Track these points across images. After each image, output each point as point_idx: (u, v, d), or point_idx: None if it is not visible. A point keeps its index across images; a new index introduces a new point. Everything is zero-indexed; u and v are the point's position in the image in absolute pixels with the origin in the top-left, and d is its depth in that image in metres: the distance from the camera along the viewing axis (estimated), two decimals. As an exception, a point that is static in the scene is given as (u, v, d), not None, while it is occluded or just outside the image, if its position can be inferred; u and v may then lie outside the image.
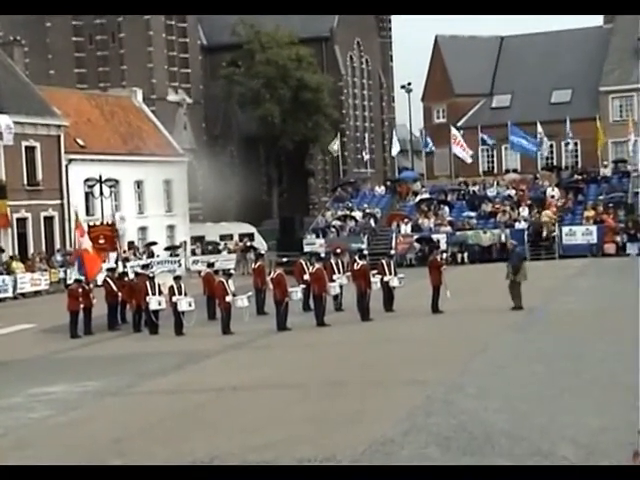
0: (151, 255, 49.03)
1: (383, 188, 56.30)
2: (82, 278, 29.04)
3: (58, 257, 46.27)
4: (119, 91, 61.20)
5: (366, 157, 66.13)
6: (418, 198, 51.99)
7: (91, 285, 28.90)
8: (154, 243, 51.51)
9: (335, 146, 60.32)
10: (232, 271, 30.13)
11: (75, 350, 24.77)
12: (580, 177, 51.65)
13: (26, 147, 47.44)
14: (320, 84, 68.24)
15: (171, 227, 57.29)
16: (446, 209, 50.04)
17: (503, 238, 45.81)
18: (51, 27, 66.45)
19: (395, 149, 61.39)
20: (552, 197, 49.31)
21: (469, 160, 55.83)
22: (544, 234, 45.36)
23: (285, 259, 32.99)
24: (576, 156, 62.67)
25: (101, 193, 46.78)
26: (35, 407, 16.55)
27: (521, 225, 46.22)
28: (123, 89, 61.90)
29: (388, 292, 27.45)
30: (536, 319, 23.91)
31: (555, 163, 60.38)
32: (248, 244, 52.19)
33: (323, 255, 33.84)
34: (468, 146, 55.94)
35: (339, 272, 28.53)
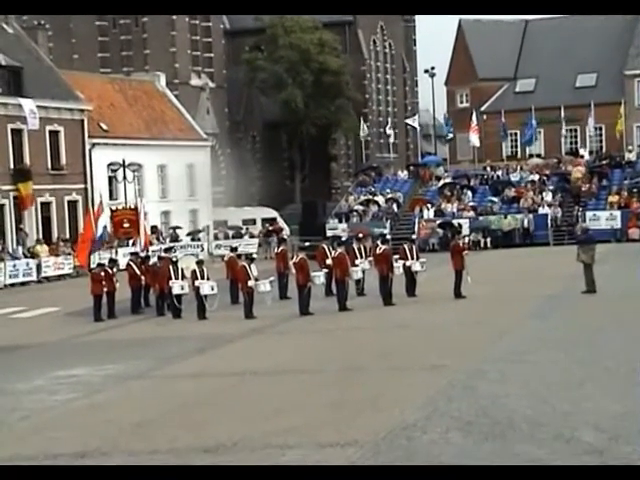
0: (175, 239, 49.16)
1: (406, 173, 56.23)
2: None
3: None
4: (142, 75, 61.26)
5: (390, 139, 65.86)
6: (441, 183, 51.92)
7: (114, 269, 29.04)
8: (178, 227, 51.62)
9: (363, 132, 60.41)
10: (255, 255, 30.22)
11: (98, 334, 24.93)
12: (604, 162, 51.43)
13: (50, 131, 47.65)
14: (341, 67, 68.06)
15: (194, 211, 57.39)
16: (469, 194, 49.93)
17: (526, 223, 45.79)
18: (75, 11, 66.52)
19: (415, 124, 61.54)
20: (582, 157, 49.95)
21: (477, 144, 55.79)
22: (583, 188, 45.98)
23: (308, 244, 33.06)
24: (600, 141, 62.26)
25: (124, 177, 46.96)
26: (58, 390, 16.67)
27: (544, 210, 46.09)
28: (146, 73, 61.95)
29: (410, 277, 27.43)
30: (557, 305, 23.83)
31: (579, 148, 60.06)
32: (270, 228, 52.22)
33: (345, 240, 33.87)
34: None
35: (361, 257, 28.52)
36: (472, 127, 55.37)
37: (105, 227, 37.38)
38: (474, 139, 55.28)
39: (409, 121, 63.12)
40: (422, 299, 26.60)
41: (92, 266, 31.50)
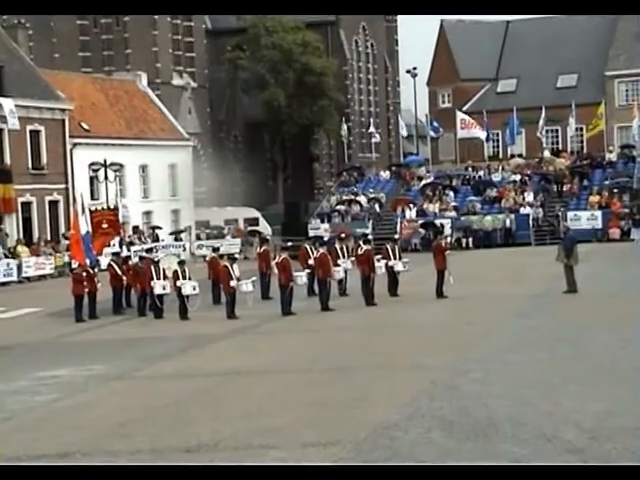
0: (156, 239, 49.02)
1: (388, 173, 56.25)
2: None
3: (64, 242, 46.29)
4: (124, 75, 61.03)
5: (374, 139, 65.72)
6: (423, 183, 51.99)
7: (96, 269, 28.94)
8: (158, 227, 51.47)
9: (344, 132, 60.41)
10: (237, 255, 30.18)
11: (80, 334, 24.84)
12: (585, 162, 51.63)
13: (31, 131, 47.39)
14: (325, 68, 68.04)
15: (176, 212, 57.24)
16: (451, 194, 50.04)
17: (508, 223, 45.94)
18: (56, 11, 66.17)
19: (403, 131, 61.53)
20: (565, 151, 50.49)
21: (484, 136, 55.55)
22: (566, 183, 46.78)
23: (290, 244, 33.01)
24: (581, 141, 62.48)
25: (106, 177, 46.80)
26: (41, 390, 16.60)
27: (526, 210, 46.24)
28: (128, 73, 61.71)
29: (393, 277, 27.49)
30: (540, 305, 23.92)
31: (560, 148, 60.27)
32: (251, 229, 52.12)
33: (328, 240, 33.88)
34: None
35: (343, 257, 28.55)
36: (469, 123, 55.07)
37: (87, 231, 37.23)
38: (474, 132, 54.99)
39: (402, 131, 63.14)
40: (404, 299, 26.66)
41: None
